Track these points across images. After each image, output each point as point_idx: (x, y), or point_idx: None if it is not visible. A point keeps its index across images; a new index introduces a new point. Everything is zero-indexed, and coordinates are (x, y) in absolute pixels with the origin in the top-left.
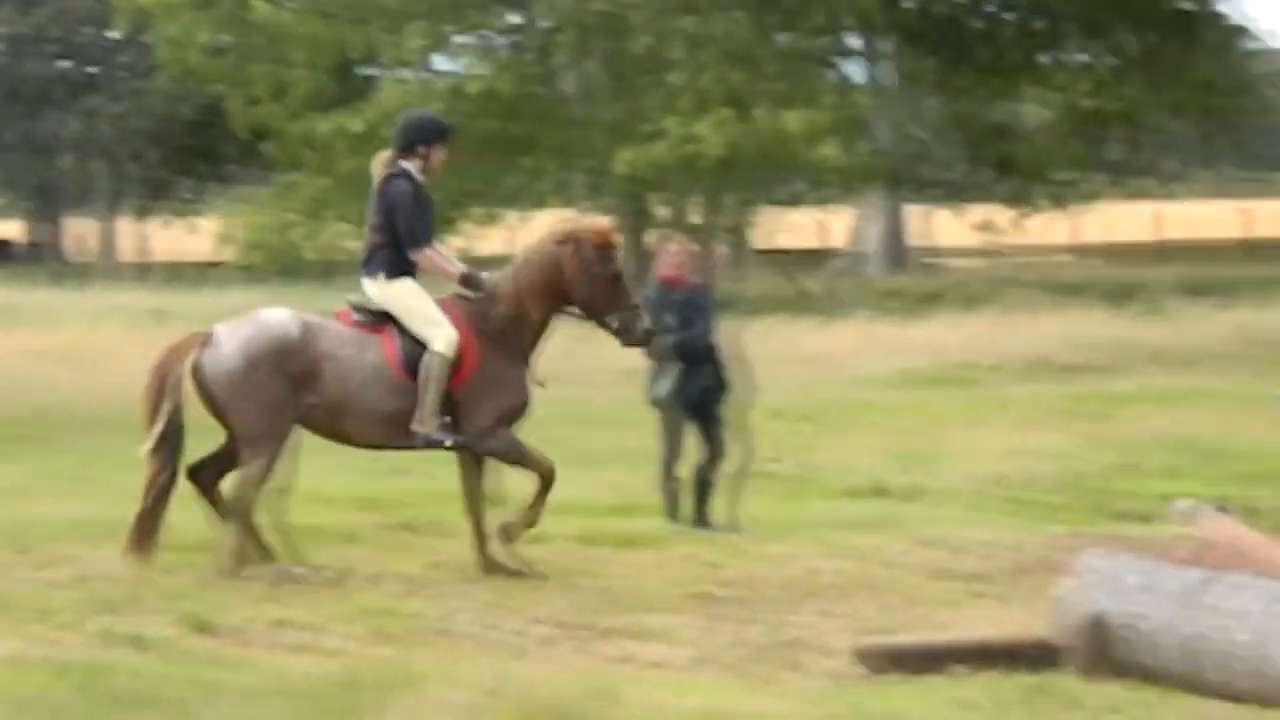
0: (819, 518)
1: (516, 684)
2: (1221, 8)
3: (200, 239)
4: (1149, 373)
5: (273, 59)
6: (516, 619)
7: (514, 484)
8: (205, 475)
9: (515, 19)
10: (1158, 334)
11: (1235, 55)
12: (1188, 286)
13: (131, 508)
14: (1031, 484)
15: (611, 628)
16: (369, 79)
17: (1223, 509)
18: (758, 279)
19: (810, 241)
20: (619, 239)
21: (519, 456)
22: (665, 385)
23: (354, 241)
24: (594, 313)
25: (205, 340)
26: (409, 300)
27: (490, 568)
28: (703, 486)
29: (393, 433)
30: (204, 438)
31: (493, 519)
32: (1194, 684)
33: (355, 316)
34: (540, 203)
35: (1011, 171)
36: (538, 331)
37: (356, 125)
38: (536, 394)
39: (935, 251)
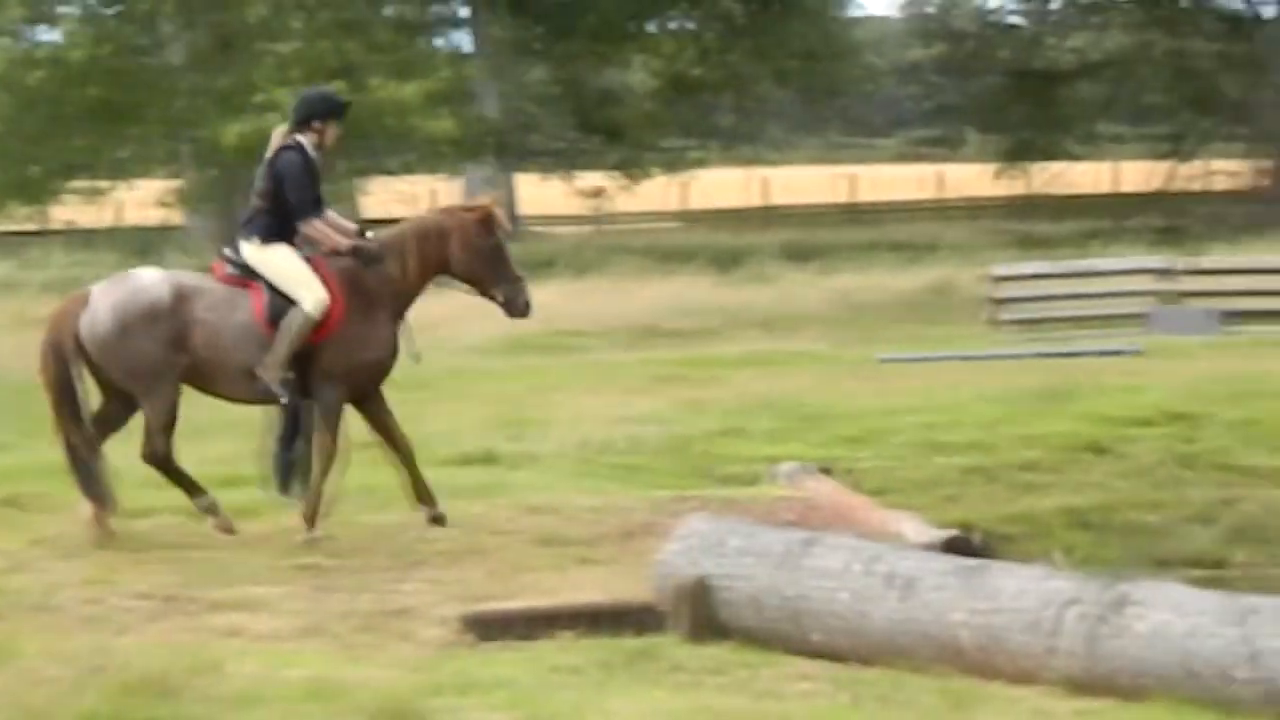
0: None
1: (120, 658)
2: None
3: None
4: (754, 338)
5: None
6: (122, 594)
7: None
8: (100, 429)
9: None
10: (763, 299)
11: (834, 23)
12: (793, 252)
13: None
14: (638, 449)
15: (219, 600)
16: None
17: (825, 471)
18: None
19: (420, 210)
20: (503, 215)
21: (329, 425)
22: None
23: None
24: (478, 284)
25: (83, 301)
26: (280, 264)
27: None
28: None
29: (259, 385)
30: None
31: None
32: (798, 644)
33: (228, 270)
34: (147, 173)
35: (619, 139)
36: (411, 297)
37: None
38: None
39: (546, 219)
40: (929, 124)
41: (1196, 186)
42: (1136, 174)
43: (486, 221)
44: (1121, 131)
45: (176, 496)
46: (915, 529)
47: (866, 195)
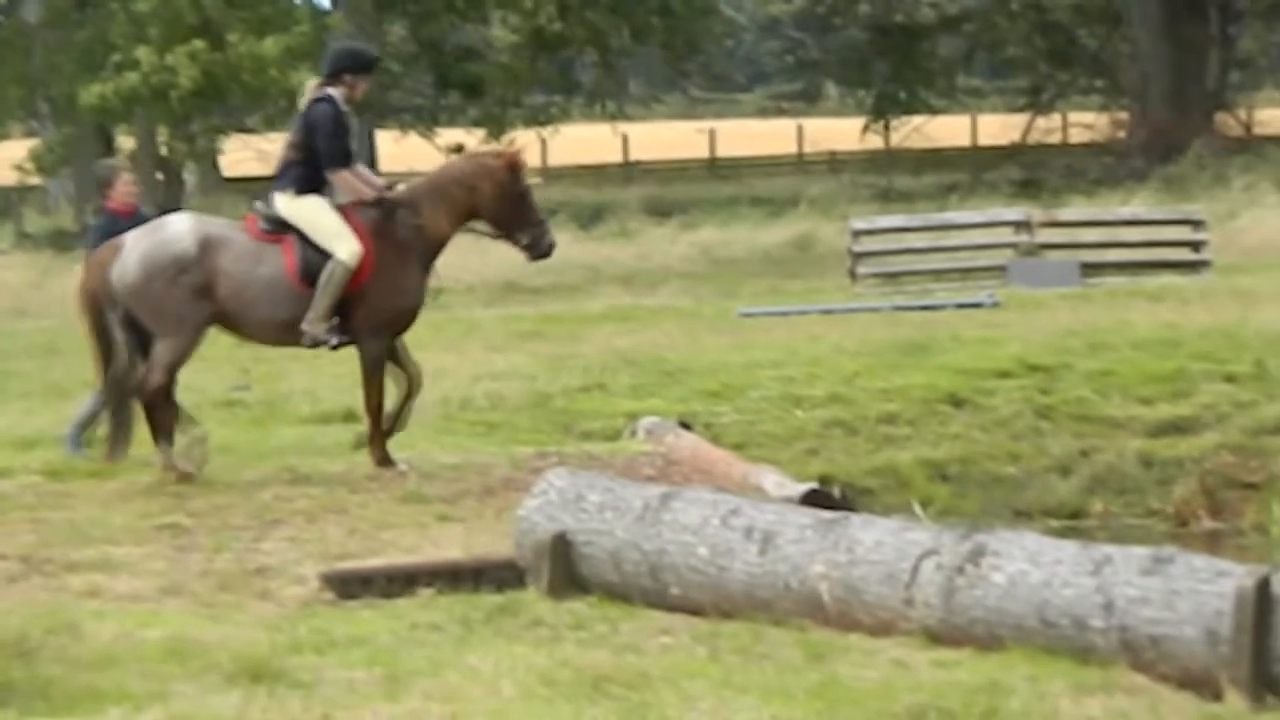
0: (288, 444)
1: None
2: None
3: None
4: (615, 293)
5: None
6: None
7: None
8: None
9: None
10: (624, 255)
11: None
12: (654, 207)
13: None
14: (499, 406)
15: (78, 561)
16: None
17: (685, 425)
18: (229, 207)
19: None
20: (526, 161)
21: (374, 373)
22: None
23: None
24: (504, 229)
25: (118, 250)
26: (314, 216)
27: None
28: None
29: (289, 335)
30: None
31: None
32: (657, 598)
33: (262, 225)
34: (4, 134)
35: (479, 95)
36: (440, 245)
37: None
38: None
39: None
40: (790, 79)
41: (1054, 139)
42: (995, 127)
43: (514, 167)
44: (980, 85)
45: (36, 457)
46: (775, 482)
47: (727, 150)
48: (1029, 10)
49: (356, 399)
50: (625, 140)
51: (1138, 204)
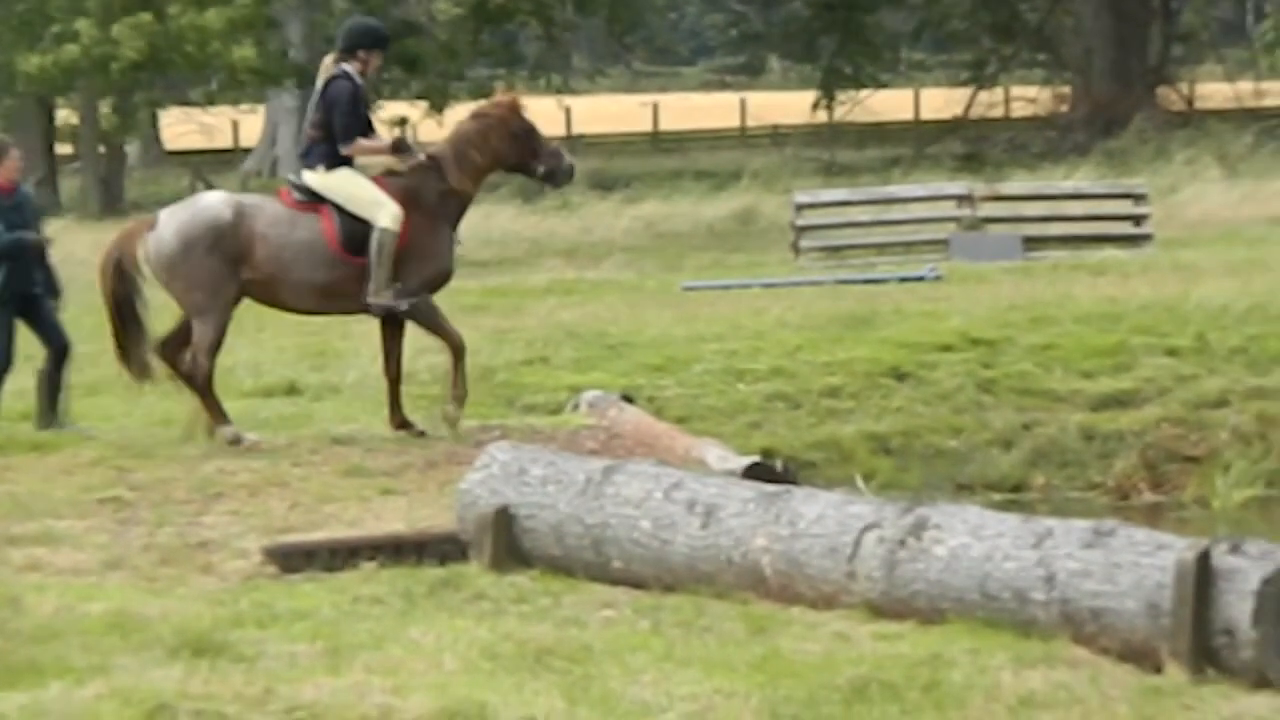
0: (231, 418)
1: None
2: None
3: None
4: (558, 267)
5: None
6: None
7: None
8: (170, 350)
9: None
10: (568, 228)
11: None
12: (597, 181)
13: None
14: (441, 379)
15: (20, 535)
16: None
17: (628, 399)
18: (171, 180)
19: (223, 142)
20: (522, 99)
21: (435, 323)
22: None
23: None
24: (523, 167)
25: (151, 225)
26: (348, 187)
27: (401, 425)
28: (51, 388)
29: (327, 301)
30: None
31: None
32: (600, 572)
33: (296, 196)
34: None
35: (421, 69)
36: (465, 205)
37: None
38: None
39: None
40: (733, 52)
41: (997, 114)
42: (938, 101)
43: (514, 108)
44: (924, 59)
45: None
46: (718, 456)
47: (671, 124)
48: None
49: (299, 372)
50: (568, 113)
51: (1080, 178)
